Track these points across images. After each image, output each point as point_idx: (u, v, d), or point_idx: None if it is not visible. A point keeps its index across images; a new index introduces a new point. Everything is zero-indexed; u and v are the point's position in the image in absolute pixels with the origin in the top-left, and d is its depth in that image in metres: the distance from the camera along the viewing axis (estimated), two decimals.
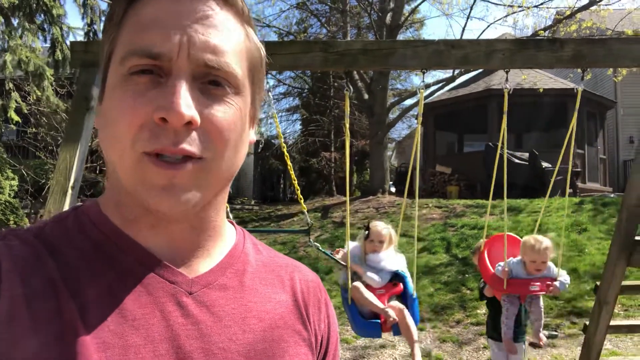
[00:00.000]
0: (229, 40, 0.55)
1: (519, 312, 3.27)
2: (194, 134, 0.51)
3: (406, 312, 2.93)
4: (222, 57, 0.53)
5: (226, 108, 0.54)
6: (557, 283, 3.09)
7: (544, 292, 3.15)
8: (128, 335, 0.50)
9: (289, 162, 3.27)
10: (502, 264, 3.10)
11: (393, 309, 2.92)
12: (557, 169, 3.47)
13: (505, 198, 3.15)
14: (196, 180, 0.52)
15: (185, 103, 0.49)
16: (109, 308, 0.51)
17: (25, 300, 0.48)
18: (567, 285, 3.16)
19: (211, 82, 0.53)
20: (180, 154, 0.50)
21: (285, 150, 3.27)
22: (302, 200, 3.37)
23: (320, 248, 3.42)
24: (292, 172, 3.33)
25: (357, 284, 2.96)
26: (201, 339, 0.54)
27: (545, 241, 3.11)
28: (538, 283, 3.11)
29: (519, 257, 3.18)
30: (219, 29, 0.54)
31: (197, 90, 0.52)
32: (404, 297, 3.07)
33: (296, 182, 3.41)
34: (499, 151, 3.06)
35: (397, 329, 2.94)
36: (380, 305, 2.89)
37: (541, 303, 3.23)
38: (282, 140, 3.39)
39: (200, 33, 0.52)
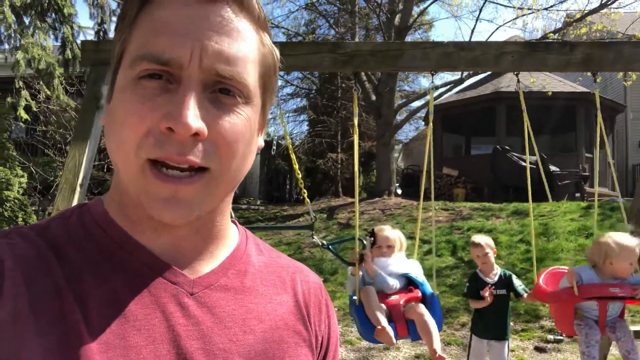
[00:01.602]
0: (243, 48, 0.54)
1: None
2: (201, 145, 0.50)
3: (424, 310, 2.65)
4: (234, 67, 0.52)
5: (235, 119, 0.53)
6: None
7: (629, 296, 2.50)
8: (129, 336, 0.50)
9: (293, 158, 3.18)
10: (563, 278, 2.64)
11: (409, 310, 2.68)
12: (596, 171, 3.31)
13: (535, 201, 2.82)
14: (201, 193, 0.52)
15: (193, 114, 0.48)
16: (111, 309, 0.51)
17: (28, 300, 0.48)
18: None
19: (222, 90, 0.52)
20: (185, 164, 0.50)
21: (291, 149, 3.19)
22: (305, 194, 3.23)
23: (325, 243, 3.15)
24: (296, 167, 3.24)
25: (368, 288, 2.71)
26: (202, 339, 0.54)
27: (634, 239, 2.56)
28: (619, 286, 2.50)
29: (586, 265, 2.69)
30: (233, 36, 0.53)
31: (207, 99, 0.51)
32: (423, 303, 2.77)
33: (300, 175, 3.29)
34: (531, 155, 2.83)
35: (416, 334, 2.64)
36: (382, 321, 2.57)
37: (628, 326, 2.61)
38: (289, 140, 3.31)
39: (213, 41, 0.51)
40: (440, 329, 2.68)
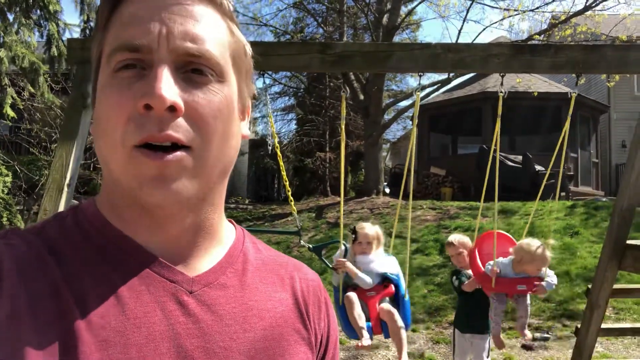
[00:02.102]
0: (208, 29, 0.55)
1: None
2: (180, 121, 0.51)
3: (396, 316, 2.92)
4: (202, 45, 0.54)
5: (210, 95, 0.54)
6: (543, 283, 3.13)
7: (530, 293, 3.20)
8: (130, 334, 0.50)
9: (281, 163, 3.20)
10: (492, 263, 3.14)
11: (382, 311, 2.94)
12: (548, 171, 3.50)
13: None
14: (186, 169, 0.52)
15: (167, 87, 0.50)
16: (110, 307, 0.51)
17: (27, 300, 0.48)
18: (554, 286, 3.20)
19: (194, 71, 0.54)
20: (167, 140, 0.51)
21: (278, 150, 3.20)
22: (292, 202, 3.28)
23: (311, 247, 3.34)
24: (284, 173, 3.27)
25: (351, 295, 2.95)
26: (202, 337, 0.54)
27: (546, 250, 3.14)
28: (525, 283, 3.16)
29: (509, 257, 3.22)
30: (197, 19, 0.54)
31: (181, 79, 0.53)
32: (395, 299, 3.07)
33: (287, 182, 3.32)
34: (491, 153, 3.07)
35: (387, 331, 2.94)
36: (362, 327, 2.86)
37: (528, 301, 3.30)
38: (277, 140, 3.32)
39: (179, 23, 0.53)
40: (408, 328, 3.02)
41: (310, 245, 3.31)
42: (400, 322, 2.91)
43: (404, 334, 2.91)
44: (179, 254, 0.58)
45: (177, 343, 0.53)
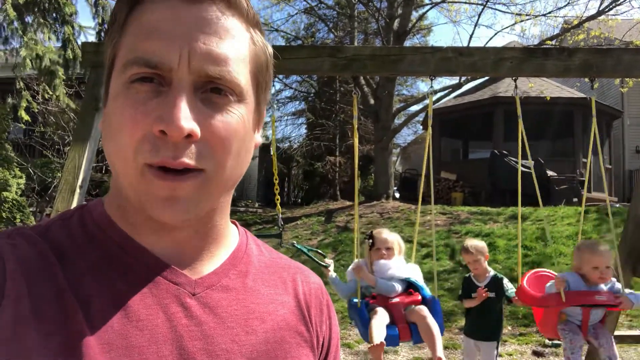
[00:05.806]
0: (232, 47, 0.54)
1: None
2: (194, 147, 0.50)
3: (426, 312, 2.70)
4: (224, 67, 0.52)
5: (228, 117, 0.53)
6: (629, 295, 2.55)
7: (611, 304, 2.57)
8: (132, 336, 0.50)
9: (275, 167, 3.23)
10: (552, 281, 2.65)
11: (411, 312, 2.74)
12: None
13: (524, 205, 2.91)
14: (198, 191, 0.52)
15: (185, 116, 0.49)
16: (113, 309, 0.51)
17: (30, 302, 0.48)
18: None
19: (213, 90, 0.52)
20: (180, 166, 0.50)
21: (274, 157, 3.26)
22: (278, 202, 3.29)
23: (297, 245, 3.29)
24: (276, 181, 3.30)
25: (379, 310, 2.70)
26: (204, 340, 0.54)
27: (604, 244, 2.73)
28: (604, 294, 2.57)
29: (573, 272, 2.74)
30: (221, 36, 0.53)
31: (199, 100, 0.51)
32: (424, 305, 2.82)
33: (278, 190, 3.38)
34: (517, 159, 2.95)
35: (418, 337, 2.69)
36: (375, 332, 2.58)
37: (609, 332, 2.71)
38: (275, 146, 3.39)
39: (201, 42, 0.51)
40: (442, 331, 2.69)
41: (295, 242, 3.33)
42: (432, 320, 2.65)
43: (437, 329, 2.63)
44: (184, 256, 0.58)
45: (179, 345, 0.52)
